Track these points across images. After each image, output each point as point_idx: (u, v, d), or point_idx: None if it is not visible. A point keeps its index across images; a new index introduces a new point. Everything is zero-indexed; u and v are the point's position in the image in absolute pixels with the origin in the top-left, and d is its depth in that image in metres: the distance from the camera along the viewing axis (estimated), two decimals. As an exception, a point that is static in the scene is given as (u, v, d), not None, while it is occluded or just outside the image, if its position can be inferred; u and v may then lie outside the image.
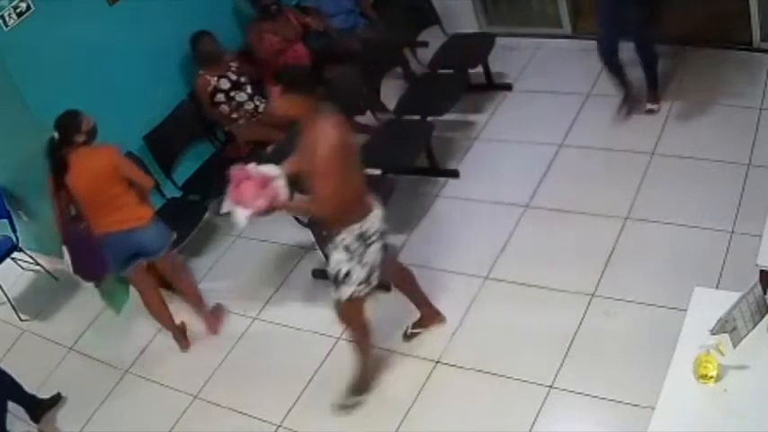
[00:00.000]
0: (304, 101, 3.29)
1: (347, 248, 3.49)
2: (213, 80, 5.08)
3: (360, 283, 3.55)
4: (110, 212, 4.02)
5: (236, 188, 3.36)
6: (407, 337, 4.13)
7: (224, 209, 3.48)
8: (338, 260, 3.53)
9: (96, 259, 4.14)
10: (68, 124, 3.91)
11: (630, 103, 5.06)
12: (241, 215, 3.34)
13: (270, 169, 3.42)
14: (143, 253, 4.17)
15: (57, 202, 4.06)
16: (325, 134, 3.22)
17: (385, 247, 3.61)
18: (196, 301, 4.54)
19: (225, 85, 5.13)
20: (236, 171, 3.40)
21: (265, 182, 3.35)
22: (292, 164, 3.48)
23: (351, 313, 3.71)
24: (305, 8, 5.85)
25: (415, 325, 4.12)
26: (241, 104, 5.22)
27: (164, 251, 4.22)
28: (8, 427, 4.10)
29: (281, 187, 3.37)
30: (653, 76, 5.01)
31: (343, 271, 3.53)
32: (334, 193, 3.27)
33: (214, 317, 4.58)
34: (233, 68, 5.17)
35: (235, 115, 5.23)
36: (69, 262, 4.18)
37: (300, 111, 3.29)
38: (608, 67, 5.01)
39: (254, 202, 3.31)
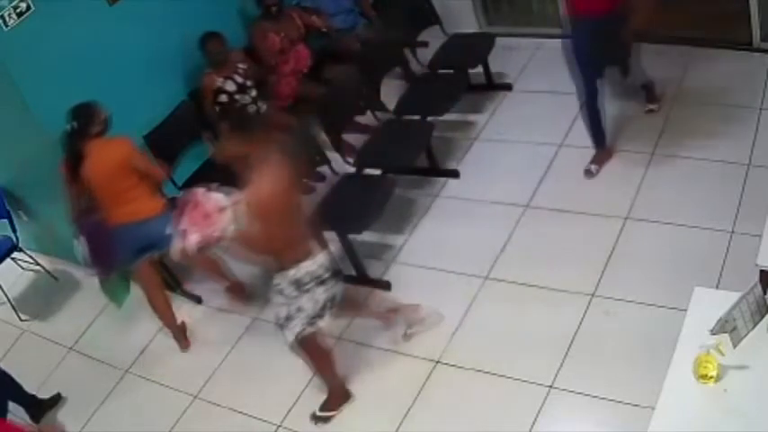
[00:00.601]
0: (249, 142, 3.22)
1: (281, 293, 3.44)
2: (219, 81, 5.08)
3: (303, 325, 3.49)
4: (124, 203, 4.08)
5: (180, 214, 3.28)
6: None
7: (167, 230, 3.43)
8: (277, 303, 3.51)
9: (110, 251, 4.16)
10: (84, 115, 3.98)
11: (603, 157, 4.79)
12: (177, 243, 3.27)
13: (219, 199, 3.29)
14: (154, 245, 4.17)
15: (72, 192, 4.10)
16: (262, 180, 3.14)
17: (332, 295, 3.51)
18: (221, 275, 4.57)
19: (230, 87, 5.13)
20: (184, 196, 3.36)
21: (210, 213, 3.24)
22: (238, 199, 3.29)
23: (305, 351, 3.72)
24: (306, 8, 5.85)
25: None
26: (244, 107, 5.22)
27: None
28: (8, 427, 4.11)
29: (225, 221, 3.23)
30: (649, 84, 5.01)
31: (282, 315, 3.51)
32: (263, 239, 3.19)
33: (239, 288, 4.62)
34: (240, 71, 5.17)
35: None
36: (86, 254, 4.19)
37: (245, 152, 3.19)
38: (588, 112, 4.76)
39: (191, 233, 3.23)
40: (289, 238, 3.31)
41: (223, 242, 3.32)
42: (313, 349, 3.72)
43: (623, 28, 4.32)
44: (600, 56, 4.54)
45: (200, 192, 3.34)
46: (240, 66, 5.18)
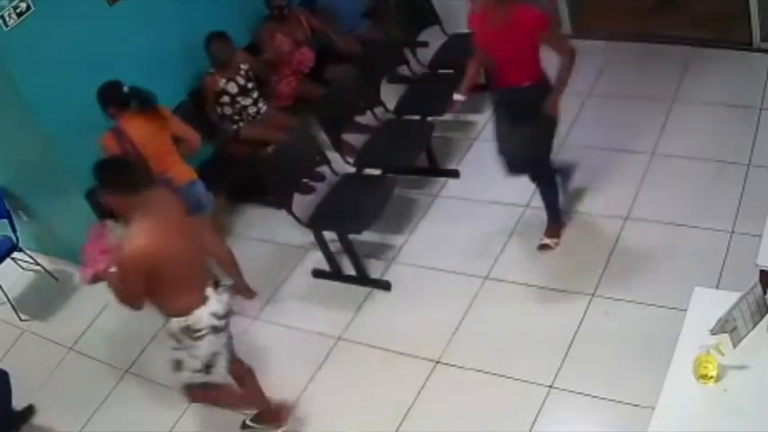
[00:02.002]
0: (124, 199, 3.12)
1: (174, 337, 3.33)
2: (222, 82, 5.08)
3: (195, 372, 3.40)
4: (172, 166, 4.18)
5: (87, 244, 3.31)
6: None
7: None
8: (170, 346, 3.41)
9: None
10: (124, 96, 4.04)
11: (557, 227, 4.43)
12: (80, 272, 3.33)
13: (115, 239, 3.23)
14: (199, 207, 4.24)
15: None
16: (134, 238, 3.03)
17: (228, 340, 3.45)
18: (235, 271, 4.60)
19: (233, 89, 5.14)
20: (92, 228, 3.39)
21: (106, 250, 3.22)
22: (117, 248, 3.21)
23: (195, 398, 3.65)
24: (313, 10, 5.86)
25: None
26: (245, 108, 5.22)
27: (211, 206, 4.40)
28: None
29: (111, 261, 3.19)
30: (553, 206, 4.38)
31: (174, 358, 3.41)
32: (130, 292, 3.10)
33: (245, 289, 4.64)
34: (242, 72, 5.17)
35: (236, 117, 5.23)
36: None
37: (122, 209, 3.13)
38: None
39: (87, 267, 3.25)
40: (176, 289, 3.18)
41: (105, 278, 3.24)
42: (205, 398, 3.64)
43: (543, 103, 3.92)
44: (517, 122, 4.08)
45: (102, 226, 3.36)
46: (242, 67, 5.18)
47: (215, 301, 3.31)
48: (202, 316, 3.26)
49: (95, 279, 3.24)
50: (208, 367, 3.40)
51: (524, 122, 4.00)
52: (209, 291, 3.30)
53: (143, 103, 4.08)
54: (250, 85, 5.21)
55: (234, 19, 5.55)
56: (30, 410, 4.33)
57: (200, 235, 3.33)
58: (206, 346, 3.33)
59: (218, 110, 5.17)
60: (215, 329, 3.32)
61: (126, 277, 3.05)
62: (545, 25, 3.84)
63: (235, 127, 5.23)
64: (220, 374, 3.48)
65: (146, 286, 3.08)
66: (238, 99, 5.16)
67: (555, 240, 4.38)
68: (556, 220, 4.41)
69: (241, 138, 5.23)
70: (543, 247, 4.38)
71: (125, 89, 4.07)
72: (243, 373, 3.70)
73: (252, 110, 5.26)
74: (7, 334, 4.98)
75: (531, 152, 4.13)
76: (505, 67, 3.95)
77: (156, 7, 4.95)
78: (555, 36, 4.00)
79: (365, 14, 6.08)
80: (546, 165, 4.27)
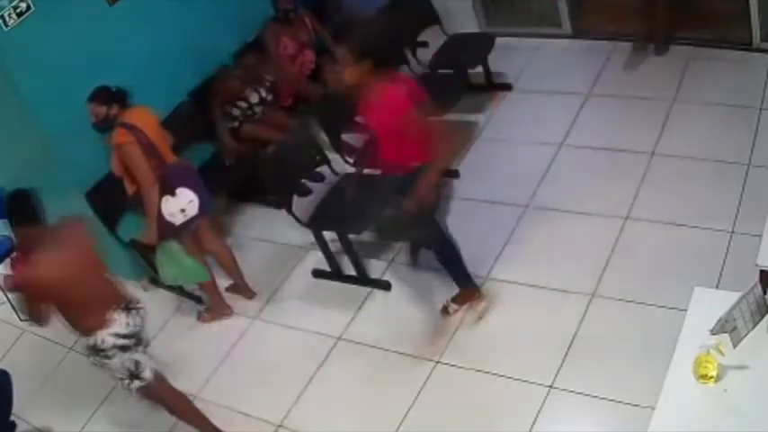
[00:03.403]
0: (26, 232, 3.37)
1: (87, 352, 3.55)
2: (246, 90, 5.12)
3: (125, 380, 3.59)
4: (170, 153, 4.32)
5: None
6: None
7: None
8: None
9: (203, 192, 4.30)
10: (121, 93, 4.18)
11: (469, 298, 4.16)
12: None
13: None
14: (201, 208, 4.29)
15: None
16: (33, 265, 3.26)
17: (137, 363, 3.58)
18: (233, 267, 4.65)
19: (254, 98, 5.18)
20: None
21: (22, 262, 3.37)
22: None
23: (149, 398, 3.81)
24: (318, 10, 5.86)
25: None
26: (254, 113, 5.25)
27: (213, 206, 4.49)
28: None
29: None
30: (454, 271, 4.10)
31: (103, 368, 3.61)
32: (29, 311, 3.41)
33: (245, 289, 4.69)
34: (267, 84, 5.22)
35: (241, 118, 5.23)
36: (195, 201, 4.24)
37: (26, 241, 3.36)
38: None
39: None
40: (76, 311, 3.42)
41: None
42: (152, 397, 3.79)
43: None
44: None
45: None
46: (268, 78, 5.21)
47: (120, 324, 3.48)
48: (104, 337, 3.45)
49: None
50: (133, 376, 3.58)
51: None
52: (115, 314, 3.47)
53: (128, 98, 4.21)
54: (270, 98, 5.24)
55: (234, 19, 5.55)
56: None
57: (101, 266, 3.54)
58: (118, 362, 3.53)
59: (225, 109, 5.17)
60: (123, 348, 3.51)
61: (25, 298, 3.38)
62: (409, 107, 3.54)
63: (236, 124, 5.22)
64: (150, 377, 3.64)
65: (47, 307, 3.38)
66: (255, 108, 5.19)
67: (455, 307, 4.13)
68: (463, 287, 4.11)
69: (241, 136, 5.23)
70: (443, 308, 4.17)
71: (114, 89, 4.17)
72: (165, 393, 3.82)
73: (256, 115, 5.28)
74: (7, 334, 4.98)
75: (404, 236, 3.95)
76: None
77: (156, 7, 4.94)
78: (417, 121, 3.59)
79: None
80: (430, 243, 4.03)
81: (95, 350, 3.48)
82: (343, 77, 3.62)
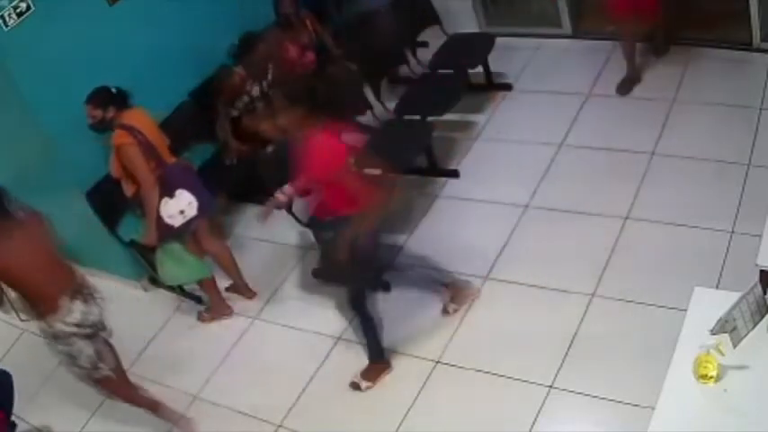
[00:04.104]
0: None
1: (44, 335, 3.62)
2: (248, 83, 5.09)
3: (83, 368, 3.66)
4: (168, 153, 4.33)
5: None
6: None
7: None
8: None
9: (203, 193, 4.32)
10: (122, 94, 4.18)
11: (379, 372, 4.02)
12: None
13: None
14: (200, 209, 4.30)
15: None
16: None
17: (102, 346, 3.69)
18: (232, 267, 4.66)
19: (256, 92, 5.15)
20: None
21: None
22: None
23: (103, 389, 3.89)
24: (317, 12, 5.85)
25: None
26: (255, 107, 5.23)
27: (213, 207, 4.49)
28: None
29: None
30: (368, 345, 4.01)
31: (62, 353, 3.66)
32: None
33: (245, 289, 4.70)
34: (269, 76, 5.18)
35: (243, 113, 5.22)
36: (194, 202, 4.25)
37: None
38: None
39: None
40: (28, 296, 3.54)
41: None
42: (107, 389, 3.89)
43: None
44: None
45: None
46: (271, 68, 5.18)
47: (73, 312, 3.54)
48: (54, 323, 3.52)
49: None
50: (93, 365, 3.67)
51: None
52: (68, 301, 3.53)
53: (128, 99, 4.21)
54: (272, 92, 5.21)
55: (234, 19, 5.55)
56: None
57: (54, 253, 3.63)
58: (81, 348, 3.59)
59: (228, 108, 5.16)
60: (80, 336, 3.58)
61: None
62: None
63: (235, 113, 5.19)
64: (106, 370, 3.73)
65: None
66: (257, 102, 5.17)
67: (367, 384, 3.96)
68: (372, 359, 4.01)
69: (242, 125, 5.19)
70: (352, 384, 3.99)
71: (113, 90, 4.17)
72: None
73: (258, 104, 5.26)
74: (7, 334, 4.97)
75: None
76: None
77: (156, 7, 4.94)
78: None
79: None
80: (352, 305, 3.94)
81: (47, 334, 3.57)
82: (277, 125, 3.55)
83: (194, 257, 4.42)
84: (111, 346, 3.83)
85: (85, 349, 3.60)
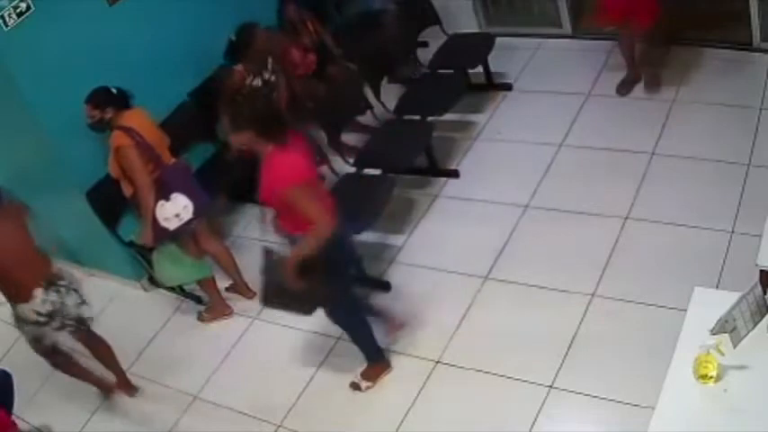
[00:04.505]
0: None
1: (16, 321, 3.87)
2: (249, 78, 5.05)
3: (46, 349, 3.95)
4: (168, 154, 4.35)
5: None
6: None
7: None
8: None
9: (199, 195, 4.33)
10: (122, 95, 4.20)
11: (372, 367, 4.01)
12: None
13: None
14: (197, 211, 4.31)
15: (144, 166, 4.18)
16: None
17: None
18: (232, 267, 4.67)
19: (257, 84, 5.12)
20: None
21: None
22: None
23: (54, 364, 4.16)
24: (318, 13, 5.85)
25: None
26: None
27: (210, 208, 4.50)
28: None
29: None
30: (361, 347, 3.97)
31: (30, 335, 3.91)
32: None
33: (245, 289, 4.69)
34: (269, 67, 5.12)
35: None
36: (189, 206, 4.26)
37: None
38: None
39: None
40: (7, 279, 3.68)
41: None
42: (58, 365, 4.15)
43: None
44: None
45: None
46: (271, 60, 5.14)
47: (43, 301, 3.71)
48: (24, 310, 3.72)
49: None
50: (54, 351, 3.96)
51: None
52: (40, 290, 3.70)
53: (129, 99, 4.23)
54: (273, 78, 5.17)
55: (234, 19, 5.55)
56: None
57: (29, 242, 3.76)
58: (51, 333, 3.83)
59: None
60: (50, 326, 3.79)
61: None
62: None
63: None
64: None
65: None
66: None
67: (367, 384, 3.96)
68: (369, 361, 3.99)
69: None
70: (352, 384, 4.00)
71: (114, 90, 4.18)
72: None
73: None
74: (7, 334, 4.97)
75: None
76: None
77: (155, 7, 4.93)
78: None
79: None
80: (333, 316, 3.87)
81: (19, 320, 3.78)
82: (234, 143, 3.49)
83: (191, 258, 4.42)
84: (93, 336, 4.06)
85: (51, 335, 3.80)
